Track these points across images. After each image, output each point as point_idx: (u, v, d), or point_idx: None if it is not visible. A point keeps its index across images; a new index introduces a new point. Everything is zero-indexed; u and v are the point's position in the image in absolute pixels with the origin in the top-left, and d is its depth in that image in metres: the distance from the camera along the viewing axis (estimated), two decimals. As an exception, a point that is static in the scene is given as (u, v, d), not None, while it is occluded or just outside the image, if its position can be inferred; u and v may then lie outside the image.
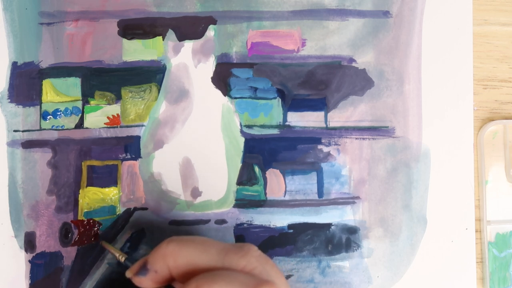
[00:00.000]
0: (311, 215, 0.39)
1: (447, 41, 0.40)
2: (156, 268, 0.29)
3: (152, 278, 0.30)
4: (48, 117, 0.38)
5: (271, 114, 0.39)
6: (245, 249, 0.29)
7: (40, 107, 0.38)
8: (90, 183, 0.38)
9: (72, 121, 0.38)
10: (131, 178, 0.38)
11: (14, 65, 0.38)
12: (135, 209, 0.38)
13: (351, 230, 0.39)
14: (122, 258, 0.34)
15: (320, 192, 0.39)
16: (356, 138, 0.39)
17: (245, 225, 0.38)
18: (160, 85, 0.38)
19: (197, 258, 0.29)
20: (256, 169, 0.38)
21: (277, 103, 0.39)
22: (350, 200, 0.39)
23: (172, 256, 0.29)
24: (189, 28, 0.39)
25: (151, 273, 0.30)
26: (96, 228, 0.37)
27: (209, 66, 0.39)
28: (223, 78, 0.39)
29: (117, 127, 0.38)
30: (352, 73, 0.39)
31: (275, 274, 0.29)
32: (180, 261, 0.29)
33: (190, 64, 0.39)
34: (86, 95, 0.38)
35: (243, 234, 0.38)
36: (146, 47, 0.39)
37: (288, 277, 0.38)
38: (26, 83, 0.38)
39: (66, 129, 0.38)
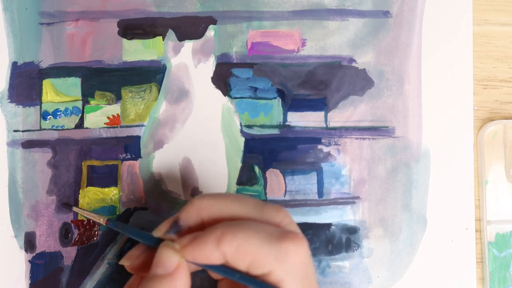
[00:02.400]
0: (311, 215, 0.39)
1: (447, 41, 0.40)
2: (190, 224, 0.28)
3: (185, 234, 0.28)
4: (48, 117, 0.38)
5: (271, 114, 0.39)
6: (280, 206, 0.29)
7: (40, 107, 0.38)
8: (90, 183, 0.38)
9: (72, 121, 0.38)
10: (131, 178, 0.38)
11: (14, 65, 0.38)
12: (135, 209, 0.38)
13: (351, 230, 0.39)
14: (103, 221, 0.34)
15: (320, 192, 0.39)
16: (356, 138, 0.39)
17: (245, 225, 0.38)
18: (160, 85, 0.38)
19: (234, 210, 0.28)
20: (256, 169, 0.38)
21: (277, 103, 0.39)
22: (350, 200, 0.39)
23: (207, 210, 0.28)
24: (189, 28, 0.39)
25: (185, 228, 0.28)
26: (96, 228, 0.37)
27: (209, 66, 0.39)
28: (223, 78, 0.39)
29: (117, 127, 0.38)
30: (352, 73, 0.39)
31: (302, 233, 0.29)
32: (216, 214, 0.28)
33: (190, 64, 0.39)
34: (86, 95, 0.38)
35: (243, 234, 0.38)
36: (146, 47, 0.39)
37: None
38: (26, 83, 0.38)
39: (66, 129, 0.38)
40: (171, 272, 0.27)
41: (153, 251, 0.28)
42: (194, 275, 0.30)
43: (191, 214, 0.28)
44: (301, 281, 0.26)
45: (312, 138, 0.39)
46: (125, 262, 0.30)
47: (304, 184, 0.39)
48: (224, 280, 0.31)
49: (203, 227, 0.28)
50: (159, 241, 0.29)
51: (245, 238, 0.26)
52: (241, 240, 0.26)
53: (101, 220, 0.34)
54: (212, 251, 0.26)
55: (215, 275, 0.31)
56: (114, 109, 0.38)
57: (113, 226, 0.34)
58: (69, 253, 0.37)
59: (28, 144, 0.38)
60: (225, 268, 0.27)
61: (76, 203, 0.37)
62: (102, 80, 0.38)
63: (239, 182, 0.38)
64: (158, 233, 0.29)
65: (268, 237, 0.26)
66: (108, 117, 0.38)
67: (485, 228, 0.39)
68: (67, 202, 0.37)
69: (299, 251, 0.26)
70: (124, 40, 0.39)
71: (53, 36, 0.38)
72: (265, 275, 0.26)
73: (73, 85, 0.38)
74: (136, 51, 0.39)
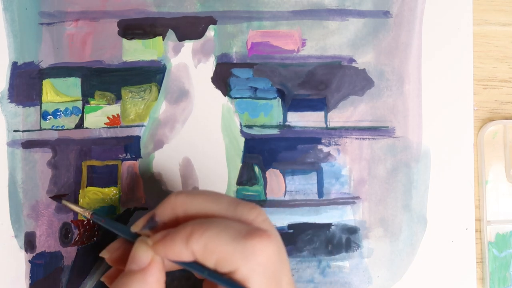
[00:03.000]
0: (311, 215, 0.39)
1: (447, 41, 0.40)
2: (165, 220, 0.29)
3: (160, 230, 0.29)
4: (48, 117, 0.38)
5: (271, 114, 0.39)
6: (254, 204, 0.29)
7: (40, 107, 0.38)
8: (90, 183, 0.38)
9: (72, 121, 0.38)
10: (131, 178, 0.38)
11: (14, 65, 0.38)
12: (135, 209, 0.38)
13: (351, 230, 0.39)
14: (88, 214, 0.34)
15: (320, 192, 0.39)
16: (356, 138, 0.39)
17: (245, 225, 0.38)
18: (160, 85, 0.38)
19: (208, 208, 0.28)
20: (256, 169, 0.38)
21: (277, 103, 0.39)
22: (350, 200, 0.39)
23: (182, 207, 0.28)
24: (189, 28, 0.39)
25: (160, 225, 0.29)
26: (96, 228, 0.37)
27: (209, 66, 0.39)
28: (223, 78, 0.39)
29: (117, 127, 0.38)
30: (352, 73, 0.39)
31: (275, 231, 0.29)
32: (190, 212, 0.28)
33: (190, 64, 0.39)
34: (86, 95, 0.38)
35: (243, 234, 0.38)
36: (146, 47, 0.39)
37: (288, 277, 0.38)
38: (26, 83, 0.38)
39: (66, 129, 0.38)
40: (144, 268, 0.28)
41: (132, 245, 0.29)
42: (179, 273, 0.31)
43: (166, 210, 0.29)
44: (268, 279, 0.27)
45: (312, 138, 0.39)
46: (105, 254, 0.32)
47: (304, 184, 0.39)
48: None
49: (178, 224, 0.29)
50: (137, 236, 0.30)
51: (212, 236, 0.27)
52: (209, 238, 0.27)
53: (86, 214, 0.35)
54: (182, 248, 0.27)
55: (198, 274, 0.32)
56: (114, 109, 0.38)
57: (96, 220, 0.34)
58: (69, 253, 0.37)
59: (28, 144, 0.38)
60: (196, 265, 0.28)
61: (76, 204, 0.37)
62: (102, 80, 0.38)
63: (239, 182, 0.38)
64: (135, 228, 0.30)
65: (236, 234, 0.27)
66: (108, 117, 0.38)
67: (485, 228, 0.39)
68: (58, 194, 0.37)
69: (265, 249, 0.26)
70: (124, 40, 0.39)
71: (53, 36, 0.38)
72: (232, 272, 0.26)
73: (73, 85, 0.38)
74: (136, 51, 0.39)
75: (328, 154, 0.39)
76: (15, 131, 0.38)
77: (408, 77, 0.40)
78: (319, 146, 0.39)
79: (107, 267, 0.37)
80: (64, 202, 0.37)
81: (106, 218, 0.34)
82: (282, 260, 0.28)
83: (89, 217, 0.35)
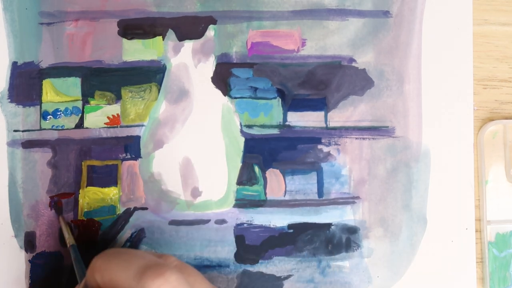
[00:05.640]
0: (311, 215, 0.39)
1: (447, 41, 0.40)
2: (92, 285, 0.27)
3: None
4: (48, 117, 0.38)
5: (271, 114, 0.39)
6: (163, 269, 0.26)
7: (40, 107, 0.38)
8: (90, 183, 0.38)
9: (72, 121, 0.38)
10: (131, 178, 0.38)
11: (14, 65, 0.38)
12: (135, 209, 0.38)
13: (351, 230, 0.39)
14: (68, 243, 0.35)
15: (320, 192, 0.39)
16: (356, 138, 0.39)
17: (245, 225, 0.38)
18: (160, 85, 0.38)
19: (118, 276, 0.26)
20: (256, 169, 0.38)
21: (277, 103, 0.39)
22: (350, 200, 0.39)
23: (99, 272, 0.27)
24: (189, 28, 0.39)
25: None
26: (96, 228, 0.37)
27: (209, 66, 0.39)
28: (223, 78, 0.39)
29: (117, 127, 0.38)
30: (352, 73, 0.39)
31: (197, 285, 0.28)
32: (105, 278, 0.27)
33: (190, 64, 0.39)
34: (86, 95, 0.38)
35: (243, 234, 0.38)
36: (146, 47, 0.39)
37: (288, 277, 0.38)
38: (26, 83, 0.38)
39: (66, 129, 0.38)
40: None
41: None
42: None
43: (90, 276, 0.28)
44: None
45: (312, 138, 0.39)
46: None
47: (304, 184, 0.39)
48: None
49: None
50: None
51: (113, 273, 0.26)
52: (112, 274, 0.26)
53: (67, 242, 0.35)
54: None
55: None
56: (114, 109, 0.38)
57: (72, 253, 0.35)
58: (69, 253, 0.37)
59: (28, 144, 0.38)
60: None
61: (76, 204, 0.37)
62: (102, 80, 0.38)
63: (239, 182, 0.38)
64: None
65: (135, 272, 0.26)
66: (108, 117, 0.38)
67: (485, 228, 0.39)
68: (60, 207, 0.37)
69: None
70: (124, 40, 0.39)
71: (53, 36, 0.38)
72: None
73: (73, 85, 0.38)
74: (136, 51, 0.39)
75: (328, 154, 0.39)
76: (15, 131, 0.38)
77: (408, 77, 0.40)
78: (319, 146, 0.39)
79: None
80: (60, 219, 0.37)
81: (77, 258, 0.34)
82: None
83: (68, 246, 0.35)
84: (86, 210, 0.37)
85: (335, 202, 0.39)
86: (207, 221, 0.38)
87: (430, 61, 0.40)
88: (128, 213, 0.38)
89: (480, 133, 0.40)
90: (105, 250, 0.28)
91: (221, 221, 0.38)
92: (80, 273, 0.33)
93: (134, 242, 0.37)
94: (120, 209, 0.38)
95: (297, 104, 0.39)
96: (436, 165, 0.39)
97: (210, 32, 0.39)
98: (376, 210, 0.39)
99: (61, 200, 0.37)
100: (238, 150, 0.39)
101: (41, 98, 0.38)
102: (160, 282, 0.25)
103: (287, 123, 0.39)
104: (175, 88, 0.39)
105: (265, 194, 0.38)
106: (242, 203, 0.38)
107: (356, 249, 0.38)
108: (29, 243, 0.37)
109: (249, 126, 0.39)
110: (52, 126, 0.38)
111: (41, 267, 0.37)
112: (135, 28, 0.39)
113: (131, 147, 0.38)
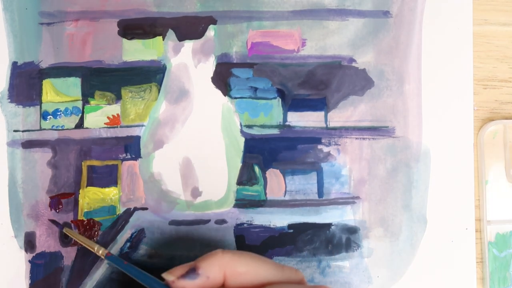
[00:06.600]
0: (311, 215, 0.39)
1: (447, 41, 0.40)
2: (210, 274, 0.28)
3: (202, 284, 0.28)
4: (48, 117, 0.38)
5: (271, 114, 0.39)
6: (296, 268, 0.31)
7: (40, 107, 0.38)
8: (90, 183, 0.38)
9: (72, 121, 0.38)
10: (131, 178, 0.38)
11: (14, 65, 0.38)
12: (135, 209, 0.38)
13: (351, 230, 0.39)
14: (101, 253, 0.34)
15: (320, 192, 0.39)
16: (356, 138, 0.39)
17: (245, 225, 0.38)
18: (160, 85, 0.38)
19: (258, 268, 0.29)
20: (256, 169, 0.38)
21: (277, 103, 0.39)
22: (350, 200, 0.39)
23: (231, 265, 0.28)
24: (189, 28, 0.39)
25: (203, 278, 0.28)
26: (96, 228, 0.37)
27: (209, 66, 0.39)
28: (223, 78, 0.39)
29: (117, 127, 0.38)
30: (352, 73, 0.39)
31: None
32: (240, 270, 0.28)
33: (190, 64, 0.39)
34: (86, 95, 0.38)
35: (243, 234, 0.38)
36: (146, 47, 0.39)
37: (288, 277, 0.38)
38: (26, 83, 0.38)
39: (66, 129, 0.38)
40: None
41: None
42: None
43: (212, 266, 0.28)
44: None
45: (312, 138, 0.39)
46: None
47: (304, 184, 0.39)
48: None
49: (220, 281, 0.28)
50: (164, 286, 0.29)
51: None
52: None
53: (100, 252, 0.34)
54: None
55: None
56: (114, 109, 0.38)
57: (115, 262, 0.33)
58: (69, 253, 0.37)
59: (28, 144, 0.38)
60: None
61: (76, 204, 0.37)
62: (102, 80, 0.38)
63: (239, 182, 0.38)
64: (171, 276, 0.29)
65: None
66: (108, 117, 0.38)
67: (485, 228, 0.39)
68: (68, 227, 0.37)
69: None
70: (124, 40, 0.39)
71: (53, 36, 0.38)
72: None
73: (73, 85, 0.38)
74: (136, 51, 0.39)
75: (328, 154, 0.39)
76: (15, 131, 0.38)
77: (408, 77, 0.40)
78: (319, 146, 0.39)
79: (107, 267, 0.37)
80: (69, 233, 0.36)
81: (128, 263, 0.33)
82: None
83: (102, 256, 0.34)
84: (86, 210, 0.37)
85: (335, 202, 0.39)
86: (207, 221, 0.38)
87: (430, 61, 0.40)
88: (128, 213, 0.38)
89: (480, 133, 0.40)
90: (217, 250, 0.29)
91: (221, 221, 0.38)
92: (142, 278, 0.31)
93: (134, 242, 0.37)
94: (120, 209, 0.38)
95: (297, 104, 0.39)
96: (436, 165, 0.39)
97: (210, 32, 0.39)
98: (376, 210, 0.39)
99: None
100: (238, 150, 0.39)
101: (41, 98, 0.38)
102: (302, 275, 0.30)
103: (287, 123, 0.39)
104: (175, 88, 0.39)
105: (265, 194, 0.38)
106: (242, 203, 0.38)
107: (356, 249, 0.38)
108: (29, 243, 0.37)
109: (249, 126, 0.39)
110: (52, 126, 0.38)
111: (41, 267, 0.37)
112: (135, 28, 0.39)
113: (131, 147, 0.38)
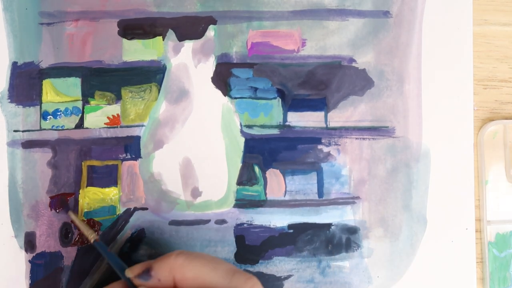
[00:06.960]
0: (311, 215, 0.39)
1: (447, 41, 0.40)
2: (161, 277, 0.30)
3: (153, 285, 0.30)
4: (48, 117, 0.38)
5: (271, 114, 0.39)
6: (251, 275, 0.30)
7: (40, 107, 0.38)
8: (90, 183, 0.38)
9: (72, 121, 0.38)
10: (131, 178, 0.38)
11: (14, 65, 0.38)
12: (135, 209, 0.38)
13: (351, 230, 0.39)
14: (91, 238, 0.35)
15: (320, 192, 0.39)
16: (356, 138, 0.39)
17: (245, 225, 0.38)
18: (160, 85, 0.38)
19: (206, 274, 0.29)
20: (256, 169, 0.38)
21: (277, 103, 0.39)
22: (350, 200, 0.39)
23: (180, 269, 0.29)
24: (189, 28, 0.39)
25: (154, 280, 0.30)
26: (96, 228, 0.37)
27: (209, 66, 0.39)
28: (223, 78, 0.39)
29: (117, 127, 0.38)
30: (352, 73, 0.39)
31: None
32: (188, 275, 0.29)
33: (190, 64, 0.39)
34: (86, 95, 0.38)
35: (243, 234, 0.38)
36: (146, 47, 0.39)
37: (288, 277, 0.38)
38: (26, 83, 0.38)
39: (66, 129, 0.38)
40: None
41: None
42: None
43: (163, 269, 0.30)
44: None
45: (312, 138, 0.39)
46: None
47: (304, 184, 0.39)
48: None
49: (172, 283, 0.30)
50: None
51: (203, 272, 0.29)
52: (200, 273, 0.29)
53: (90, 238, 0.35)
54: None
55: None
56: (114, 109, 0.38)
57: (100, 247, 0.35)
58: (69, 253, 0.37)
59: (28, 144, 0.38)
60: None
61: (76, 204, 0.37)
62: (102, 80, 0.38)
63: (239, 182, 0.38)
64: (130, 273, 0.31)
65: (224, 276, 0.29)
66: (108, 117, 0.38)
67: (485, 228, 0.39)
68: (66, 203, 0.37)
69: None
70: (124, 40, 0.39)
71: (53, 36, 0.38)
72: None
73: (73, 85, 0.38)
74: (136, 51, 0.39)
75: (328, 154, 0.39)
76: (15, 131, 0.38)
77: (408, 77, 0.40)
78: (319, 146, 0.39)
79: (107, 267, 0.37)
80: (72, 215, 0.37)
81: (108, 252, 0.34)
82: None
83: (91, 241, 0.35)
84: (86, 210, 0.37)
85: (335, 202, 0.39)
86: (207, 221, 0.38)
87: (430, 61, 0.40)
88: (128, 213, 0.38)
89: (480, 133, 0.40)
90: (179, 250, 0.30)
91: (221, 221, 0.38)
92: (118, 267, 0.33)
93: (134, 242, 0.37)
94: (120, 209, 0.38)
95: (297, 104, 0.39)
96: (436, 165, 0.39)
97: (210, 32, 0.39)
98: (376, 210, 0.39)
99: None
100: (238, 150, 0.39)
101: (41, 98, 0.38)
102: (253, 282, 0.29)
103: (287, 123, 0.39)
104: (175, 88, 0.39)
105: (265, 194, 0.38)
106: (242, 203, 0.38)
107: (356, 249, 0.38)
108: (29, 243, 0.37)
109: (249, 126, 0.39)
110: (52, 126, 0.38)
111: (41, 267, 0.37)
112: (135, 28, 0.39)
113: (131, 147, 0.38)
